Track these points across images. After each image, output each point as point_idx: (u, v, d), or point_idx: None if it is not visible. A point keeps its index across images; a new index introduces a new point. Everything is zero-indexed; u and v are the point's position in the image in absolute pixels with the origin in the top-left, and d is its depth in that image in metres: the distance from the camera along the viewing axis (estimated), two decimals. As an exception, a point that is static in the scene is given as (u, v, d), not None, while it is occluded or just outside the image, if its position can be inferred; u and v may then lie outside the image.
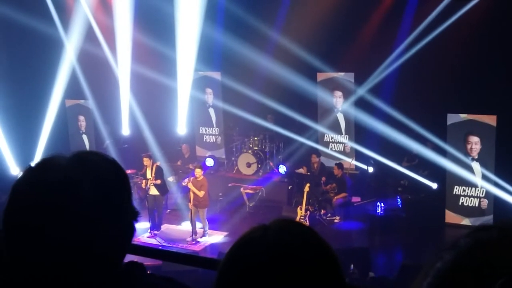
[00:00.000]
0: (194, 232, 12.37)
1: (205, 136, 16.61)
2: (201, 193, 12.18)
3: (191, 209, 12.35)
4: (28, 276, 1.25)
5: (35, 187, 1.27)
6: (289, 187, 14.28)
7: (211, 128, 16.50)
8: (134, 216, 1.39)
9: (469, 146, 12.34)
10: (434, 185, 13.32)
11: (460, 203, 12.53)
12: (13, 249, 1.26)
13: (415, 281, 0.83)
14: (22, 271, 1.25)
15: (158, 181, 12.64)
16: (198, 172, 12.32)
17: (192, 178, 12.41)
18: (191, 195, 12.30)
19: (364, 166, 14.63)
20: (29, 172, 1.32)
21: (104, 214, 1.29)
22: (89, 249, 1.26)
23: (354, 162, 14.81)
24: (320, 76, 15.00)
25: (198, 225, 12.45)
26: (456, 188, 12.54)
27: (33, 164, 1.34)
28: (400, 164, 13.82)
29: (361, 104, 14.45)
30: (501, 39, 12.76)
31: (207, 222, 12.47)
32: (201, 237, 12.40)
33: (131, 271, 1.39)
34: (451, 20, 13.26)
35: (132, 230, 1.38)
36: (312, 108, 15.16)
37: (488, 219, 12.00)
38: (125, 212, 1.36)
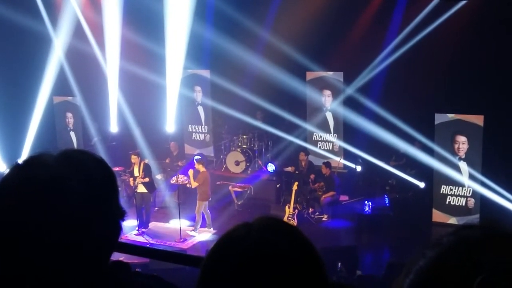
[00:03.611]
0: (208, 224, 12.57)
1: (193, 134, 16.58)
2: (194, 184, 12.45)
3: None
4: (13, 274, 1.24)
5: (21, 184, 1.27)
6: (278, 186, 14.30)
7: (200, 126, 16.48)
8: (121, 215, 1.38)
9: (456, 146, 12.42)
10: (422, 184, 13.38)
11: (447, 202, 12.62)
12: None
13: (397, 278, 0.84)
14: (7, 268, 1.25)
15: (146, 179, 12.62)
16: (198, 166, 12.64)
17: (181, 175, 12.56)
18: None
19: (352, 165, 14.67)
20: (16, 170, 1.31)
21: (90, 212, 1.28)
22: (74, 248, 1.25)
23: (343, 161, 14.86)
24: (309, 75, 15.02)
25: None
26: (443, 187, 12.63)
27: (20, 161, 1.33)
28: (388, 163, 13.88)
29: (350, 103, 14.50)
30: (489, 40, 12.84)
31: (201, 217, 12.55)
32: (191, 231, 12.49)
33: (116, 270, 1.39)
34: (440, 20, 13.34)
35: (119, 229, 1.38)
36: (301, 107, 15.19)
37: (475, 218, 12.08)
38: (112, 211, 1.36)
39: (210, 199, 12.94)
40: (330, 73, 14.82)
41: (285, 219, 11.84)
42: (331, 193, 13.37)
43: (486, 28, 12.77)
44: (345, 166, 14.95)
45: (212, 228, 12.67)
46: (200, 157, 13.65)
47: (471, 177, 12.29)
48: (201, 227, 12.66)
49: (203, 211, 12.57)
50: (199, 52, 15.88)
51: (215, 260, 1.15)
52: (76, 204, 1.26)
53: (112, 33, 15.87)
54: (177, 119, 16.66)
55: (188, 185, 13.08)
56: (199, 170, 12.63)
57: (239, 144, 15.40)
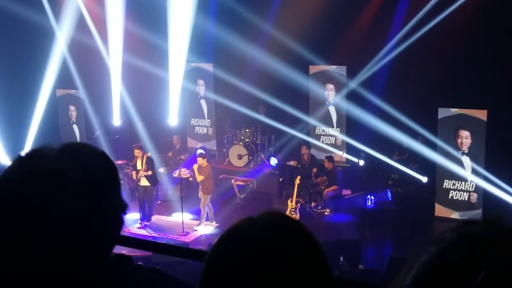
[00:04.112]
0: (210, 218, 12.62)
1: (196, 127, 16.59)
2: (199, 178, 12.44)
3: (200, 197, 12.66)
4: (14, 267, 1.24)
5: (23, 177, 1.27)
6: (280, 179, 14.31)
7: (203, 120, 16.48)
8: (122, 208, 1.38)
9: (459, 140, 12.39)
10: (424, 179, 13.37)
11: (449, 197, 12.61)
12: (0, 239, 1.26)
13: (399, 273, 0.84)
14: (9, 261, 1.25)
15: (149, 172, 12.64)
16: (201, 161, 12.53)
17: (183, 168, 12.57)
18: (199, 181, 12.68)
19: (355, 159, 14.67)
20: (18, 162, 1.31)
21: (92, 206, 1.28)
22: (76, 241, 1.25)
23: (345, 155, 14.85)
24: (312, 69, 15.00)
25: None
26: (446, 182, 12.61)
27: (22, 153, 1.33)
28: (390, 157, 13.87)
29: (353, 97, 14.47)
30: (493, 34, 12.81)
31: (206, 209, 12.59)
32: (197, 226, 12.53)
33: (118, 263, 1.39)
34: (443, 14, 13.29)
35: (121, 222, 1.38)
36: (304, 100, 15.17)
37: (478, 213, 12.08)
38: (114, 205, 1.36)
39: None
40: (333, 67, 14.80)
41: (287, 213, 11.87)
42: (333, 187, 13.37)
43: (490, 22, 12.73)
44: (347, 160, 14.94)
45: (214, 222, 12.69)
46: (203, 152, 13.63)
47: (474, 171, 12.28)
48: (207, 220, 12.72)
49: (202, 204, 12.61)
50: (202, 45, 15.87)
51: (219, 254, 1.15)
52: (77, 197, 1.26)
53: (115, 26, 15.86)
54: (179, 113, 16.67)
55: (191, 179, 13.10)
56: (201, 165, 12.64)
57: (242, 137, 15.40)
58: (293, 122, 15.08)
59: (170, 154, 15.49)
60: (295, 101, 14.96)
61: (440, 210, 12.67)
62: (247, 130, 15.36)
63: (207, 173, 12.54)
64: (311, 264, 1.13)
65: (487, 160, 12.14)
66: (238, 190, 14.07)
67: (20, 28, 14.57)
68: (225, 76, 14.99)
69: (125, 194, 13.25)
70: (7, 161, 14.27)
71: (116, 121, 16.80)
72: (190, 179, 13.17)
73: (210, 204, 12.75)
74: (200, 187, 12.64)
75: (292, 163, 14.48)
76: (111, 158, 1.42)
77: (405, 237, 11.37)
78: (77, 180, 1.27)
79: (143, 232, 12.31)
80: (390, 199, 13.17)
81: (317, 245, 1.17)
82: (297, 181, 12.76)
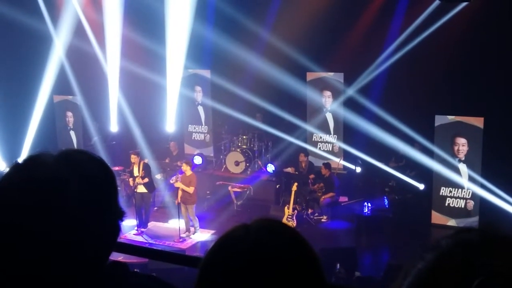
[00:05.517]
0: (187, 229, 12.44)
1: (193, 134, 16.58)
2: (190, 189, 12.24)
3: (180, 207, 12.36)
4: (10, 273, 1.24)
5: (21, 184, 1.26)
6: (277, 186, 14.30)
7: (200, 126, 16.48)
8: (120, 216, 1.38)
9: (456, 148, 12.42)
10: (421, 186, 13.38)
11: (446, 204, 12.62)
12: None
13: (396, 281, 0.84)
14: (4, 267, 1.24)
15: (146, 180, 12.61)
16: (185, 167, 12.36)
17: (180, 175, 12.46)
18: (180, 192, 12.34)
19: (352, 166, 14.67)
20: (16, 169, 1.31)
21: (90, 213, 1.28)
22: (73, 248, 1.25)
23: (342, 162, 14.86)
24: (310, 76, 15.02)
25: (182, 223, 12.50)
26: (443, 189, 12.62)
27: (19, 160, 1.33)
28: (387, 164, 13.88)
29: (350, 104, 14.50)
30: (489, 42, 12.85)
31: (197, 219, 12.52)
32: (193, 234, 12.44)
33: (114, 270, 1.39)
34: (440, 22, 13.34)
35: (118, 230, 1.38)
36: (301, 107, 15.19)
37: (474, 220, 12.09)
38: (111, 212, 1.36)
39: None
40: (331, 74, 14.83)
41: (284, 219, 11.86)
42: (330, 194, 13.37)
43: (486, 29, 12.77)
44: (344, 167, 14.94)
45: (190, 233, 12.54)
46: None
47: (471, 179, 12.30)
48: (186, 230, 12.58)
49: (183, 214, 12.47)
50: (199, 52, 15.88)
51: (213, 261, 1.15)
52: (75, 204, 1.26)
53: (113, 32, 15.87)
54: (177, 119, 16.67)
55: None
56: (186, 173, 12.43)
57: (239, 144, 15.40)
58: (290, 129, 15.08)
59: (167, 160, 15.48)
60: (292, 108, 14.97)
61: (437, 218, 12.67)
62: (244, 137, 15.36)
63: (195, 182, 12.33)
64: (305, 271, 1.12)
65: (484, 167, 12.16)
66: (235, 196, 14.06)
67: (18, 34, 14.56)
68: (222, 83, 15.01)
69: (122, 201, 13.21)
70: (4, 168, 14.23)
71: (114, 127, 16.79)
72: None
73: (190, 216, 12.61)
74: (183, 198, 12.33)
75: (289, 169, 14.48)
76: (108, 164, 1.43)
77: (402, 244, 11.37)
78: (74, 186, 1.27)
79: (139, 238, 12.28)
80: (387, 206, 13.17)
81: (311, 252, 1.17)
82: (294, 187, 12.76)
